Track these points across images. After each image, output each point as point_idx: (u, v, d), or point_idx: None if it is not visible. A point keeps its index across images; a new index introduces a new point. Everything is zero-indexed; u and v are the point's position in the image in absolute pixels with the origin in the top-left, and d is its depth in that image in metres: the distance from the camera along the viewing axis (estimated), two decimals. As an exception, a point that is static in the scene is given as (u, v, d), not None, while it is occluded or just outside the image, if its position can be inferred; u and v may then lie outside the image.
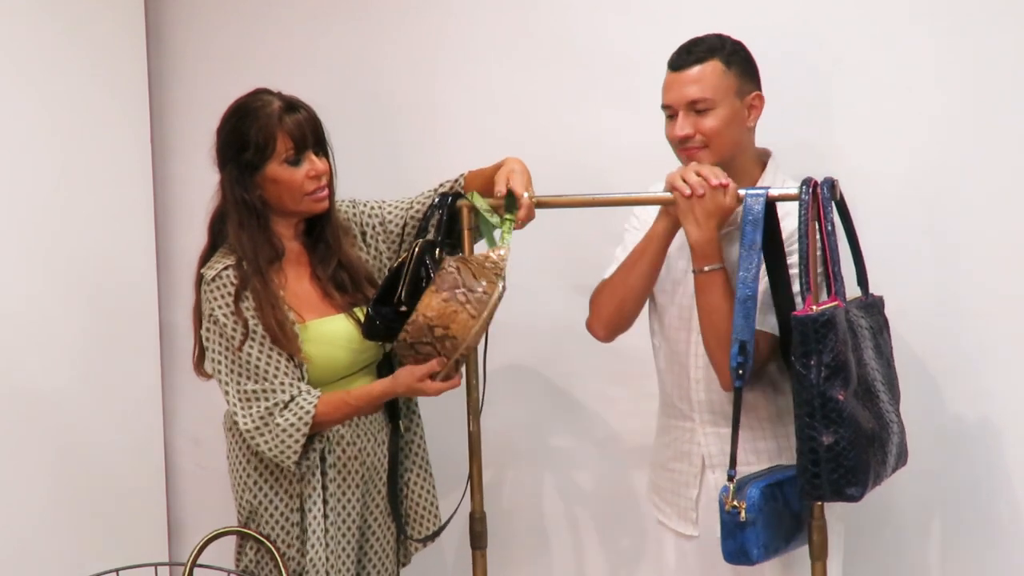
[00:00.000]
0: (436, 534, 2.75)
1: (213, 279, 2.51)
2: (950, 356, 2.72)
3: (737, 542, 2.29)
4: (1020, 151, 2.66)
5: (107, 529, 3.17)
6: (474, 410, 2.61)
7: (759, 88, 2.49)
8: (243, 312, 2.50)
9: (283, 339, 2.51)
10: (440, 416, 3.10)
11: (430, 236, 2.60)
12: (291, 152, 2.52)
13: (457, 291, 2.42)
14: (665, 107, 2.49)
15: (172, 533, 3.41)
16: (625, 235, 2.62)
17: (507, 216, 2.49)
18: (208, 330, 2.53)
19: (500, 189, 2.51)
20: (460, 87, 3.13)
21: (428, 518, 2.76)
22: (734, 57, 2.45)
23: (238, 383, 2.51)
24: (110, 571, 2.55)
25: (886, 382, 2.36)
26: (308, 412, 2.49)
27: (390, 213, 2.73)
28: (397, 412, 2.72)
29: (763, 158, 2.54)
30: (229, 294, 2.50)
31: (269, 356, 2.50)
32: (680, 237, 2.47)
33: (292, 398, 2.50)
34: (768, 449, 2.50)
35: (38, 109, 3.03)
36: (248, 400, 2.50)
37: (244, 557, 2.63)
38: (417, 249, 2.55)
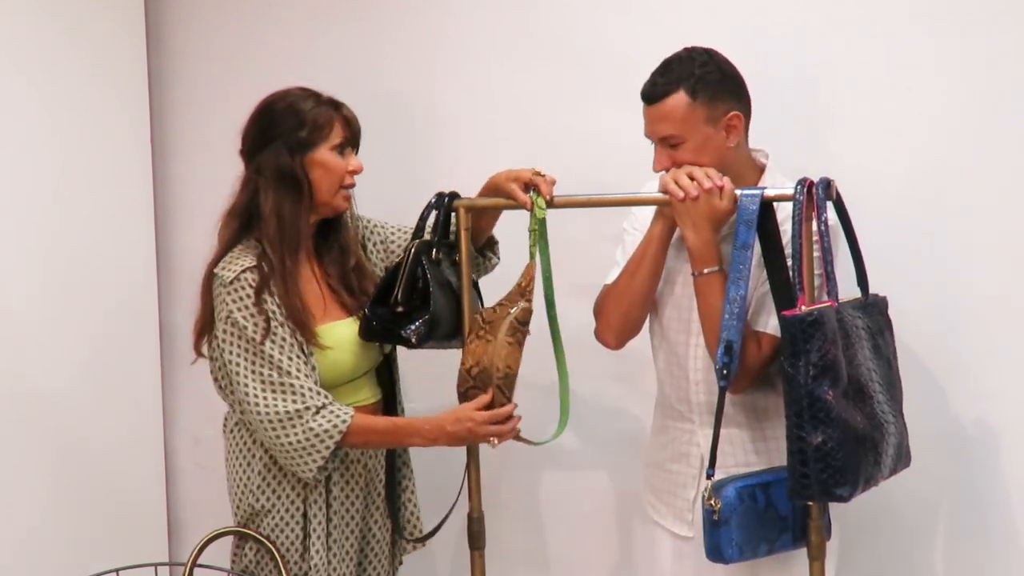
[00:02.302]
0: (431, 534, 2.74)
1: (232, 282, 2.49)
2: (950, 357, 2.72)
3: (713, 540, 2.31)
4: (1020, 151, 2.66)
5: (107, 529, 3.17)
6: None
7: (736, 104, 2.44)
8: (265, 308, 2.48)
9: (305, 323, 2.50)
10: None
11: (426, 237, 2.60)
12: (343, 140, 2.55)
13: (479, 331, 2.50)
14: (647, 136, 2.50)
15: (172, 533, 3.41)
16: (624, 236, 2.62)
17: (532, 228, 2.50)
18: (225, 331, 2.50)
19: (524, 197, 2.49)
20: (460, 87, 3.13)
21: (423, 519, 2.76)
22: (700, 84, 2.40)
23: (261, 375, 2.46)
24: (110, 571, 2.54)
25: (884, 383, 2.36)
26: (344, 422, 2.46)
27: (393, 234, 2.74)
28: (395, 413, 2.72)
29: (760, 163, 2.54)
30: (248, 296, 2.48)
31: (291, 358, 2.48)
32: (677, 238, 2.47)
33: (324, 405, 2.48)
34: (769, 450, 2.50)
35: (38, 109, 3.04)
36: (275, 391, 2.46)
37: (243, 558, 2.62)
38: (413, 250, 2.55)
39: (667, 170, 2.45)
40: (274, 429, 2.46)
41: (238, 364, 2.49)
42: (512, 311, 2.49)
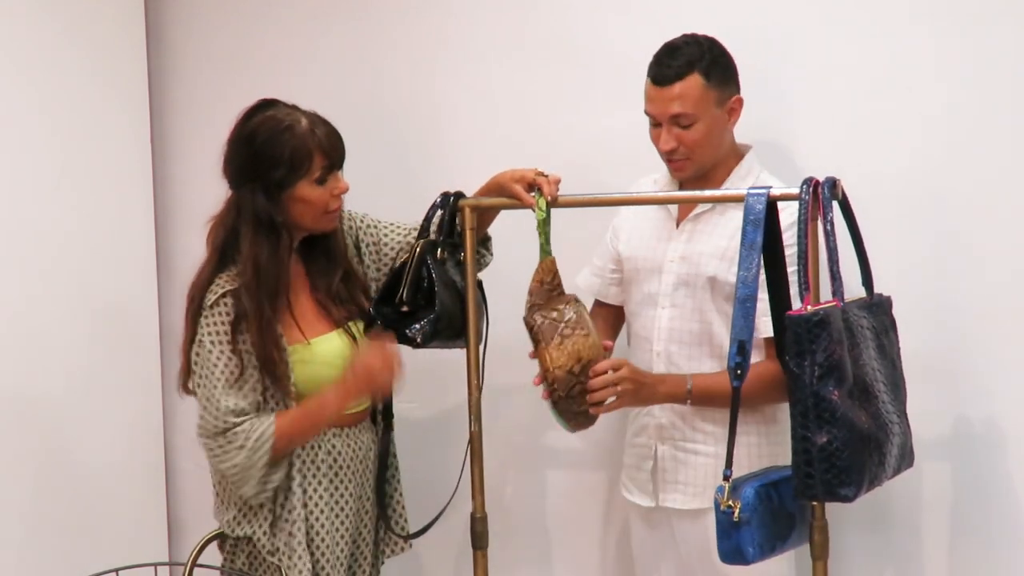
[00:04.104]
0: (421, 532, 2.73)
1: (212, 306, 2.47)
2: (950, 356, 2.72)
3: (733, 542, 2.29)
4: (1020, 151, 2.66)
5: (107, 529, 3.17)
6: (476, 410, 2.60)
7: (738, 89, 2.54)
8: (238, 344, 2.46)
9: (277, 366, 2.48)
10: (440, 416, 3.10)
11: (432, 236, 2.60)
12: (322, 171, 2.49)
13: (561, 329, 2.43)
14: (648, 115, 2.53)
15: (172, 533, 3.41)
16: (605, 235, 2.69)
17: (540, 229, 2.50)
18: (197, 354, 2.50)
19: (528, 198, 2.49)
20: (460, 87, 3.14)
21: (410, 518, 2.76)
22: (713, 67, 2.48)
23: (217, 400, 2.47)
24: (110, 571, 2.54)
25: (889, 383, 2.35)
26: (270, 429, 2.45)
27: (387, 235, 2.72)
28: (390, 412, 2.72)
29: (740, 151, 2.60)
30: (224, 323, 2.47)
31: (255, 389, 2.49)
32: (657, 225, 2.58)
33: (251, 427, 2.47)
34: (761, 454, 2.56)
35: (38, 109, 3.03)
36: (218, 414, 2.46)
37: (239, 558, 2.61)
38: (419, 249, 2.55)
39: (674, 150, 2.50)
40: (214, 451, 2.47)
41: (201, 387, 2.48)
42: (574, 305, 2.45)
